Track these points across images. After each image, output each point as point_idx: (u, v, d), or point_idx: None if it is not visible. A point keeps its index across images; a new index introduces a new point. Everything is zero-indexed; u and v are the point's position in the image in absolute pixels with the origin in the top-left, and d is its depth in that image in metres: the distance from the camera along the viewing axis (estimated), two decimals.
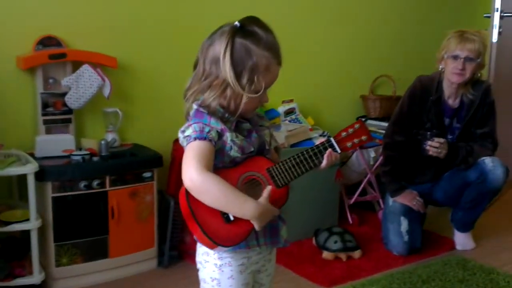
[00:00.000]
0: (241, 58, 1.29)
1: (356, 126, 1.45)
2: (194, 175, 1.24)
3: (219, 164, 1.33)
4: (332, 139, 1.43)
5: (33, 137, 2.51)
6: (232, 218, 1.30)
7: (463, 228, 2.94)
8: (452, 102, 2.84)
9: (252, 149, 1.37)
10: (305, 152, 1.40)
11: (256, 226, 1.30)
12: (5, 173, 2.19)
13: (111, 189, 2.42)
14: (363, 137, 1.45)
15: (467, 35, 2.70)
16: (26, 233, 2.26)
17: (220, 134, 1.31)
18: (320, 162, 1.40)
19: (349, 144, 1.44)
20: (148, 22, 2.85)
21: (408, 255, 2.80)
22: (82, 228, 2.39)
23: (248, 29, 1.31)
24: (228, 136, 1.32)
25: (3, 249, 2.35)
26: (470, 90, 2.80)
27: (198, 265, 1.45)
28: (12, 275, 2.24)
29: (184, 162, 1.27)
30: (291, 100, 3.31)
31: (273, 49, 1.32)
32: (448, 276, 2.55)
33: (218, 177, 1.25)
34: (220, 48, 1.29)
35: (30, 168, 2.20)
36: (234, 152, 1.32)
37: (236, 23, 1.31)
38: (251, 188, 1.34)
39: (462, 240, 2.94)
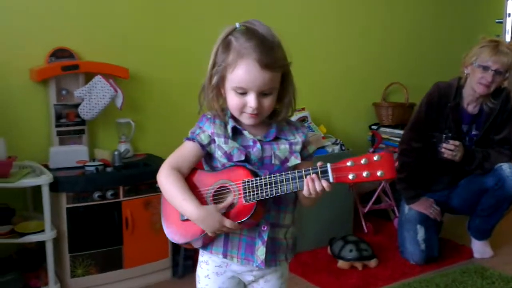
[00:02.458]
0: (222, 50, 1.30)
1: (375, 158, 1.19)
2: (160, 170, 1.36)
3: (212, 166, 1.38)
4: (328, 165, 1.23)
5: (46, 149, 2.52)
6: (185, 217, 1.34)
7: (481, 236, 2.89)
8: (472, 109, 2.80)
9: (243, 158, 1.32)
10: (289, 173, 1.26)
11: (204, 229, 1.31)
12: (20, 184, 2.19)
13: (125, 199, 2.42)
14: (379, 173, 1.18)
15: (502, 47, 2.64)
16: (41, 244, 2.26)
17: (211, 138, 1.35)
18: (302, 187, 1.25)
19: (351, 175, 1.20)
20: (160, 33, 2.87)
21: (425, 263, 2.76)
22: (97, 239, 2.38)
23: (246, 26, 1.31)
24: (216, 140, 1.34)
25: (18, 261, 2.35)
26: (491, 99, 2.76)
27: None
28: (27, 286, 2.24)
29: None
30: (303, 109, 3.30)
31: (257, 44, 1.26)
32: (467, 285, 2.51)
33: (178, 176, 1.33)
34: None
35: (44, 179, 2.20)
36: (220, 157, 1.34)
37: (237, 23, 1.33)
38: (223, 196, 1.34)
39: (480, 248, 2.90)
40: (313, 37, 3.44)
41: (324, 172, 1.23)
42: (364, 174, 1.19)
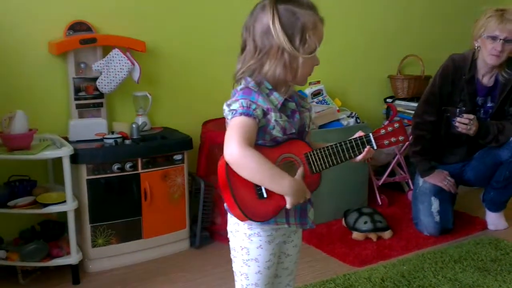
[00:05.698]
0: (289, 21, 1.33)
1: (396, 126, 1.45)
2: (235, 150, 1.27)
3: (260, 140, 1.36)
4: (371, 135, 1.44)
5: (66, 122, 2.56)
6: (265, 195, 1.34)
7: (495, 208, 2.91)
8: (487, 81, 2.77)
9: (294, 131, 1.39)
10: (343, 144, 1.42)
11: (289, 204, 1.33)
12: (41, 156, 2.23)
13: (143, 171, 2.46)
14: (400, 138, 1.46)
15: (508, 15, 2.60)
16: (63, 215, 2.31)
17: (265, 113, 1.33)
18: (356, 155, 1.43)
19: (386, 142, 1.45)
20: (176, 6, 2.86)
21: (439, 235, 2.78)
22: (117, 210, 2.44)
23: None
24: (272, 115, 1.34)
25: (40, 231, 2.42)
26: (506, 69, 2.74)
27: (229, 234, 1.48)
28: (50, 255, 2.30)
29: (227, 136, 1.30)
30: (318, 82, 3.30)
31: (314, 7, 1.38)
32: (481, 256, 2.53)
33: (258, 152, 1.28)
34: (267, 18, 1.32)
35: (65, 151, 2.24)
36: (276, 132, 1.35)
37: None
38: (286, 169, 1.36)
39: (494, 220, 2.91)
40: (329, 9, 3.39)
41: (369, 142, 1.44)
42: (393, 139, 1.45)
